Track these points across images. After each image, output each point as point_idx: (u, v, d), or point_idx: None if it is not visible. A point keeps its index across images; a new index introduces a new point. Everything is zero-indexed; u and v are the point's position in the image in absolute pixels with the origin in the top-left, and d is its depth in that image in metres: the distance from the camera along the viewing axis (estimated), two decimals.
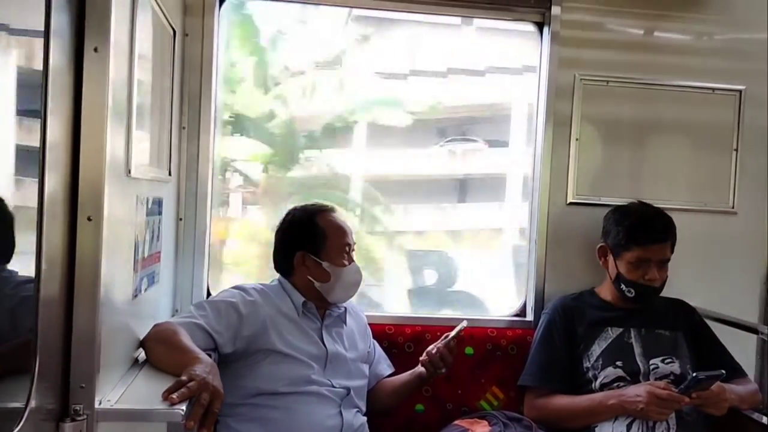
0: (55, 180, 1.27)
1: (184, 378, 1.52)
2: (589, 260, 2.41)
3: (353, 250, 2.13)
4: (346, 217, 2.20)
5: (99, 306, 1.35)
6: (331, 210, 2.15)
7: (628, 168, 2.56)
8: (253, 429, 1.92)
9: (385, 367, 2.28)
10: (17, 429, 1.16)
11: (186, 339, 1.77)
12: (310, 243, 2.09)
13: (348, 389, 2.03)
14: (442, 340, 2.08)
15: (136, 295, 1.71)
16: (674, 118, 2.57)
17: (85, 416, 1.34)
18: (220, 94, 2.43)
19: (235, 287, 2.08)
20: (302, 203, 2.20)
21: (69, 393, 1.34)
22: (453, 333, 2.05)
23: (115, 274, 1.51)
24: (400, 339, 2.39)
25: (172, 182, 2.19)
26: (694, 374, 1.97)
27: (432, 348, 2.07)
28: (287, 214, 2.17)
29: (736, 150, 2.59)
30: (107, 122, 1.36)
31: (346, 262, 2.08)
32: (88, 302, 1.34)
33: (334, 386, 2.01)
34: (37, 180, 1.22)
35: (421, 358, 2.07)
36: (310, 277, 2.09)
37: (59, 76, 1.28)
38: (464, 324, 2.07)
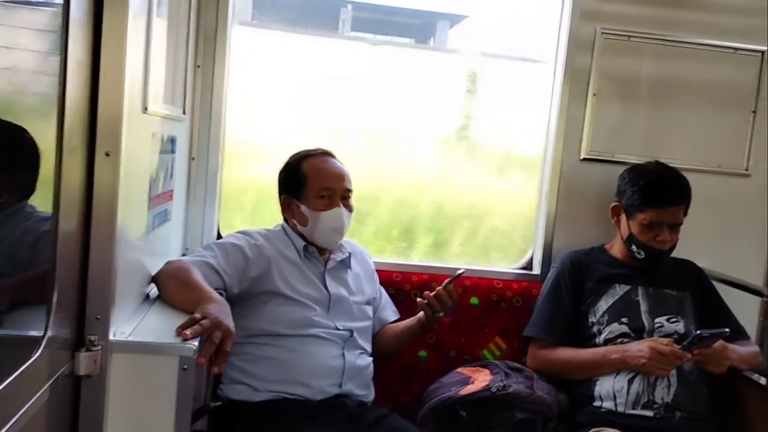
0: (73, 114, 1.27)
1: (197, 315, 1.55)
2: (599, 217, 2.41)
3: (342, 195, 2.09)
4: (342, 162, 2.16)
5: (116, 239, 1.37)
6: (323, 154, 2.14)
7: (645, 126, 2.53)
8: (258, 368, 1.96)
9: (390, 313, 2.31)
10: (35, 356, 1.19)
11: (199, 277, 1.79)
12: (293, 187, 2.11)
13: (351, 331, 2.06)
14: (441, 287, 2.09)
15: (148, 232, 1.72)
16: (694, 76, 2.53)
17: (99, 347, 1.37)
18: (235, 33, 2.40)
19: (240, 232, 2.11)
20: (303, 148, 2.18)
21: (84, 324, 1.36)
22: (449, 280, 2.06)
23: (131, 209, 1.52)
24: (406, 286, 2.41)
25: (185, 121, 2.18)
26: (698, 331, 2.00)
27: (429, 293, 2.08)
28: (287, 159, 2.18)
29: (755, 112, 2.55)
30: (125, 56, 1.34)
31: (324, 207, 2.07)
32: (105, 236, 1.35)
33: (338, 329, 2.04)
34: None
35: (418, 301, 2.08)
36: (294, 221, 2.11)
37: (79, 10, 1.26)
38: (461, 271, 2.07)
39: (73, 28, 1.24)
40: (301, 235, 2.12)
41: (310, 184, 2.08)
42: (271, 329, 1.98)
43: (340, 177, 2.10)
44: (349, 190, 2.12)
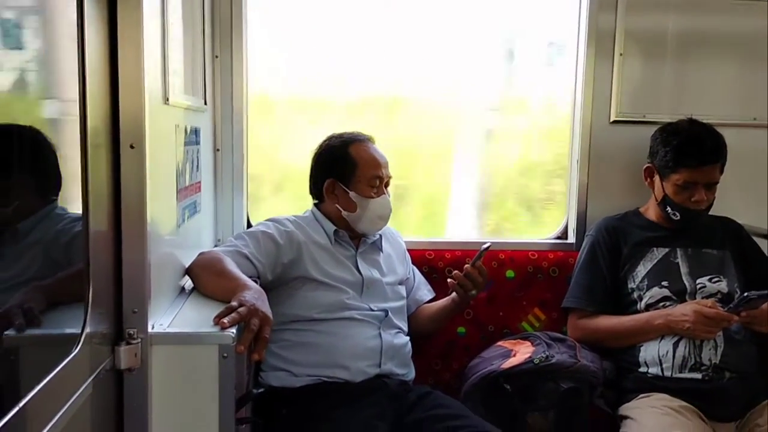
0: (95, 110, 1.26)
1: (234, 304, 1.54)
2: (633, 180, 2.36)
3: (386, 183, 2.12)
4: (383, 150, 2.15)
5: (147, 232, 1.36)
6: (368, 140, 2.13)
7: (675, 83, 2.46)
8: (296, 354, 1.97)
9: (426, 292, 2.29)
10: (74, 352, 1.19)
11: (233, 266, 1.79)
12: (340, 171, 2.09)
13: (386, 311, 2.06)
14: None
15: (179, 224, 1.72)
16: (723, 29, 2.45)
17: (139, 340, 1.36)
18: (252, 22, 2.37)
19: (269, 219, 2.11)
20: (341, 131, 2.17)
21: (122, 318, 1.36)
22: (476, 256, 2.03)
23: (160, 201, 1.52)
24: (440, 264, 2.39)
25: (208, 112, 2.17)
26: (745, 293, 1.95)
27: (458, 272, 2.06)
28: (324, 140, 2.16)
29: None
30: (143, 47, 1.33)
31: (374, 194, 2.07)
32: (136, 228, 1.35)
33: (372, 309, 2.04)
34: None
35: (449, 281, 2.07)
36: (337, 206, 2.09)
37: (94, 6, 1.25)
38: (487, 245, 2.04)
39: (89, 24, 1.23)
40: (335, 221, 2.11)
41: (360, 170, 2.07)
42: (305, 314, 1.99)
43: (386, 164, 2.12)
44: (390, 177, 2.13)
